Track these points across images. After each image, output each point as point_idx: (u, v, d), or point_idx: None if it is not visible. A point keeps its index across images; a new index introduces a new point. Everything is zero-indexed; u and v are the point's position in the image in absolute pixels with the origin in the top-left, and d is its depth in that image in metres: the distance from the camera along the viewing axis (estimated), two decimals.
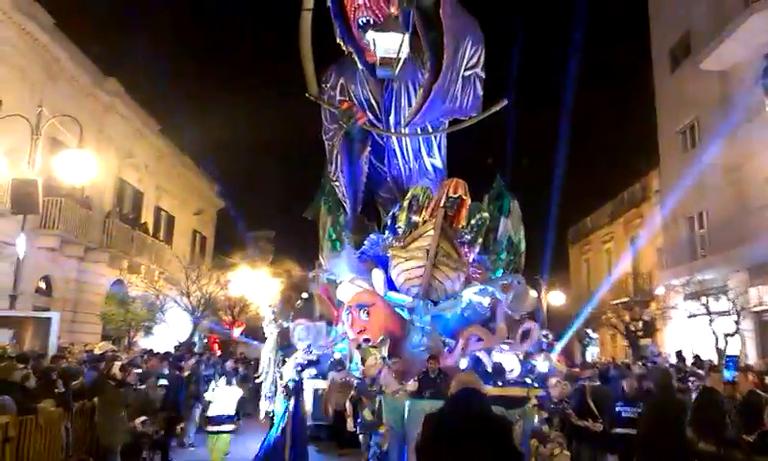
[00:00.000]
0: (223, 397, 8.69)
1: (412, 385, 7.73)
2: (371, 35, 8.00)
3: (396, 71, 8.29)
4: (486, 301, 9.72)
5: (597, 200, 29.91)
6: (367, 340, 8.60)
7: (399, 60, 8.19)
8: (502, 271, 10.83)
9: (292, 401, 7.37)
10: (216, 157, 36.37)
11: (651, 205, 23.62)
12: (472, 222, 9.73)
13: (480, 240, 10.06)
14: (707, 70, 18.65)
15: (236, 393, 8.95)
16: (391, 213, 9.94)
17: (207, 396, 9.08)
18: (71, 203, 16.68)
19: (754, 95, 16.86)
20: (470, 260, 9.96)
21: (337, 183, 10.52)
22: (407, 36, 7.98)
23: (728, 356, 11.86)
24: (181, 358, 11.91)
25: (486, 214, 9.92)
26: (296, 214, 12.79)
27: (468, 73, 9.24)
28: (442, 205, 9.06)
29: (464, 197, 9.25)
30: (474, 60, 9.27)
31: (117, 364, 8.47)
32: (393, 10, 8.39)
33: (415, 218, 9.34)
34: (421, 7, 8.78)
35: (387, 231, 10.09)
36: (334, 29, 9.19)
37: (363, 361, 7.81)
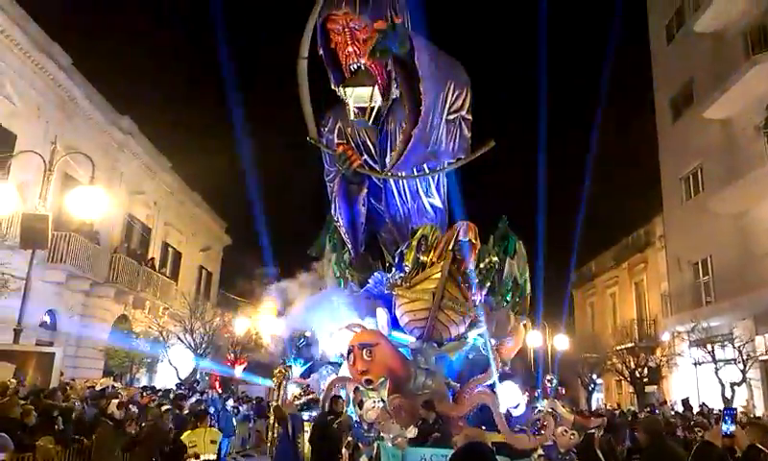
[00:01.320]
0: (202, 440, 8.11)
1: (412, 431, 7.50)
2: (342, 89, 8.20)
3: (370, 121, 8.44)
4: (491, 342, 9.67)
5: (601, 244, 29.94)
6: (369, 381, 8.44)
7: (373, 109, 8.36)
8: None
9: (289, 427, 7.28)
10: (225, 195, 36.77)
11: (655, 250, 23.61)
12: (481, 266, 9.68)
13: (488, 284, 10.04)
14: (709, 118, 18.91)
15: (215, 436, 8.54)
16: (399, 251, 9.92)
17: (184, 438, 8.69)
18: (80, 237, 16.86)
19: (756, 144, 17.05)
20: (477, 302, 9.94)
21: (338, 224, 10.63)
22: (377, 88, 8.07)
23: (726, 409, 11.72)
24: (183, 397, 11.85)
25: (495, 259, 9.91)
26: (302, 252, 12.85)
27: (452, 117, 9.31)
28: (450, 248, 9.01)
29: (473, 241, 9.18)
30: (458, 103, 9.34)
31: (114, 402, 8.42)
32: (363, 61, 8.56)
33: (423, 258, 9.27)
34: (397, 56, 8.86)
35: (394, 269, 10.09)
36: (329, 75, 9.35)
37: (361, 404, 7.53)
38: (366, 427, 7.38)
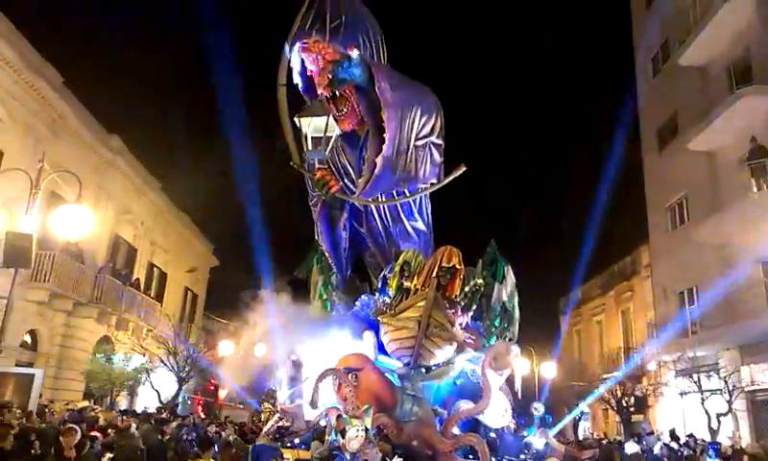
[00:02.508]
0: None
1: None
2: (297, 119, 8.05)
3: (327, 152, 8.38)
4: (479, 369, 9.59)
5: (589, 271, 30.09)
6: (361, 409, 8.33)
7: (329, 139, 8.23)
8: (496, 338, 10.64)
9: None
10: (213, 216, 36.62)
11: (641, 278, 23.77)
12: (466, 289, 9.62)
13: (474, 306, 9.99)
14: (694, 150, 19.22)
15: None
16: (382, 275, 9.84)
17: None
18: (64, 256, 16.66)
19: (740, 175, 17.33)
20: (464, 325, 9.88)
21: (322, 248, 10.60)
22: (331, 118, 8.02)
23: (710, 443, 11.73)
24: (165, 422, 11.60)
25: (480, 281, 9.76)
26: (291, 274, 12.75)
27: (421, 142, 9.19)
28: (434, 274, 8.85)
29: (458, 266, 8.98)
30: (427, 128, 9.21)
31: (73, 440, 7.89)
32: (321, 91, 8.48)
33: (406, 284, 9.16)
34: (357, 84, 8.82)
35: (378, 294, 10.02)
36: (306, 102, 9.28)
37: (343, 433, 7.06)
38: (348, 458, 7.11)
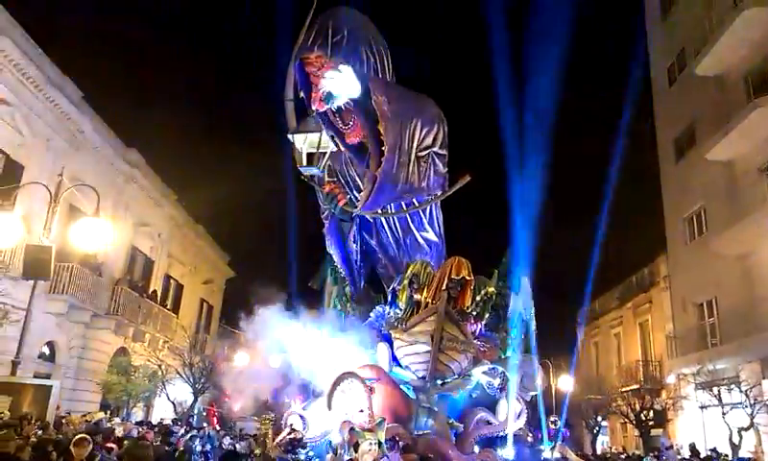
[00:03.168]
0: None
1: None
2: (290, 136, 8.00)
3: (322, 166, 8.31)
4: (496, 381, 9.42)
5: (606, 283, 29.76)
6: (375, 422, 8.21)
7: (324, 155, 8.21)
8: (513, 350, 10.52)
9: None
10: (230, 227, 36.89)
11: (660, 290, 23.45)
12: (477, 298, 9.51)
13: (487, 315, 9.88)
14: (712, 160, 19.01)
15: None
16: (391, 288, 9.81)
17: None
18: (82, 269, 16.87)
19: (759, 185, 17.10)
20: (477, 332, 9.77)
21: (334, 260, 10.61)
22: (324, 133, 8.00)
23: (738, 459, 11.39)
24: (171, 432, 11.57)
25: (492, 288, 9.71)
26: (305, 285, 12.76)
27: (423, 153, 9.13)
28: (444, 287, 8.83)
29: (467, 278, 8.99)
30: (429, 139, 9.14)
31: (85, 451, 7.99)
32: (315, 106, 8.40)
33: (417, 296, 9.12)
34: (355, 99, 8.77)
35: (388, 307, 9.96)
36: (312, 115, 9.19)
37: (356, 447, 6.94)
38: None
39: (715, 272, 18.87)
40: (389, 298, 9.83)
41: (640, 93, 25.09)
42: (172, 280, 25.14)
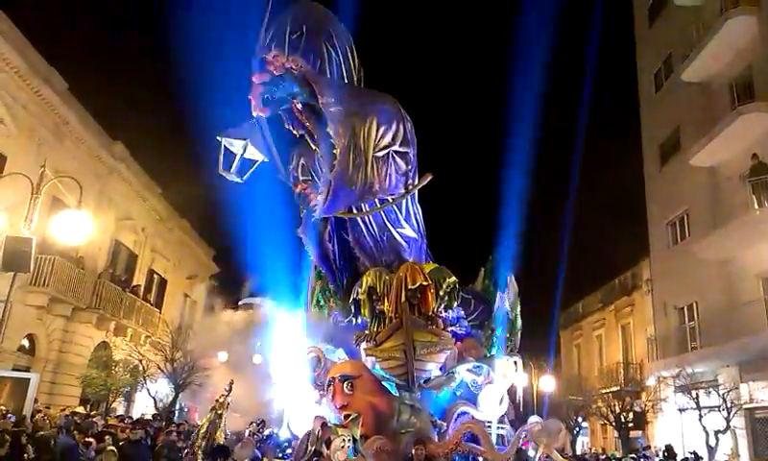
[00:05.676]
0: None
1: None
2: (219, 137, 7.54)
3: (246, 176, 7.89)
4: (480, 379, 9.35)
5: (589, 285, 30.06)
6: (348, 417, 8.01)
7: (252, 163, 7.81)
8: (497, 348, 10.51)
9: None
10: (214, 222, 36.61)
11: (642, 293, 23.71)
12: (441, 293, 9.17)
13: (455, 303, 9.77)
14: (695, 166, 19.24)
15: None
16: (352, 300, 9.35)
17: None
18: (64, 261, 16.68)
19: (741, 192, 17.33)
20: (452, 318, 9.68)
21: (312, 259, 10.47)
22: (250, 141, 7.58)
23: None
24: (147, 423, 11.46)
25: (453, 279, 9.33)
26: (289, 280, 12.68)
27: (381, 153, 8.73)
28: (403, 299, 8.58)
29: (424, 283, 8.74)
30: (387, 138, 8.72)
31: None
32: (255, 113, 8.00)
33: (379, 307, 8.92)
34: (303, 101, 8.46)
35: (353, 318, 9.63)
36: (282, 116, 8.84)
37: (328, 444, 6.78)
38: None
39: (697, 277, 19.11)
40: (353, 309, 9.64)
41: (627, 98, 25.40)
42: (155, 275, 24.94)
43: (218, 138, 7.54)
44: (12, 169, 13.98)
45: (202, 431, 7.79)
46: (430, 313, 8.85)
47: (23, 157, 15.31)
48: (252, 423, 11.00)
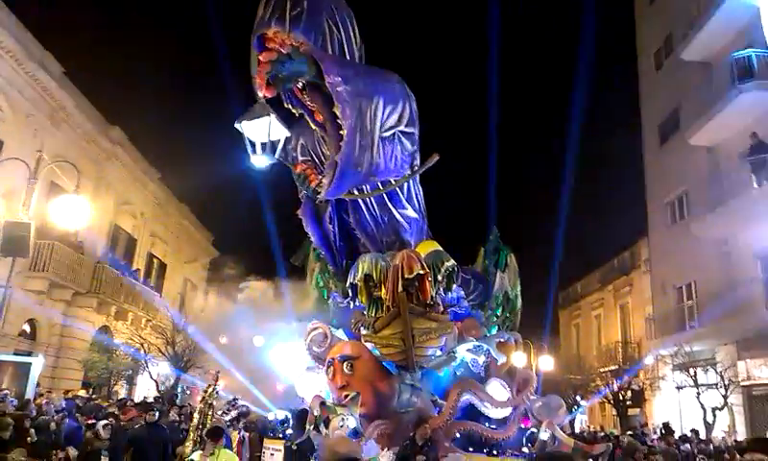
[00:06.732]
0: None
1: (387, 456, 6.94)
2: (238, 124, 7.09)
3: (277, 155, 7.41)
4: (480, 358, 9.34)
5: (588, 265, 30.17)
6: (348, 397, 8.00)
7: (276, 143, 7.26)
8: (497, 328, 10.54)
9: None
10: (214, 206, 36.57)
11: (640, 273, 23.79)
12: (439, 278, 9.06)
13: (454, 285, 9.68)
14: (695, 145, 19.18)
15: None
16: (349, 284, 9.17)
17: None
18: (63, 246, 16.68)
19: (741, 171, 17.30)
20: (451, 298, 9.65)
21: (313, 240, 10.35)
22: (273, 118, 7.06)
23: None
24: (151, 407, 11.51)
25: (451, 262, 9.27)
26: (289, 264, 12.68)
27: (387, 134, 8.50)
28: (401, 289, 8.45)
29: (421, 272, 8.58)
30: (394, 118, 8.50)
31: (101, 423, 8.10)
32: (262, 93, 7.55)
33: (376, 293, 8.82)
34: (309, 81, 8.11)
35: (350, 302, 9.47)
36: (281, 95, 8.46)
37: (327, 423, 6.67)
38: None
39: (695, 256, 19.15)
40: (350, 293, 9.55)
41: (627, 77, 25.25)
42: (155, 259, 24.97)
43: (236, 127, 7.13)
44: (9, 155, 13.93)
45: (193, 423, 7.82)
46: (429, 301, 8.75)
47: (20, 143, 15.26)
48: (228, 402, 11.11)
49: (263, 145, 7.10)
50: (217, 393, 8.50)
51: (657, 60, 23.17)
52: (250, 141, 7.09)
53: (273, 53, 7.48)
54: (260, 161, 7.17)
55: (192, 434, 7.66)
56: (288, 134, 7.69)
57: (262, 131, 7.02)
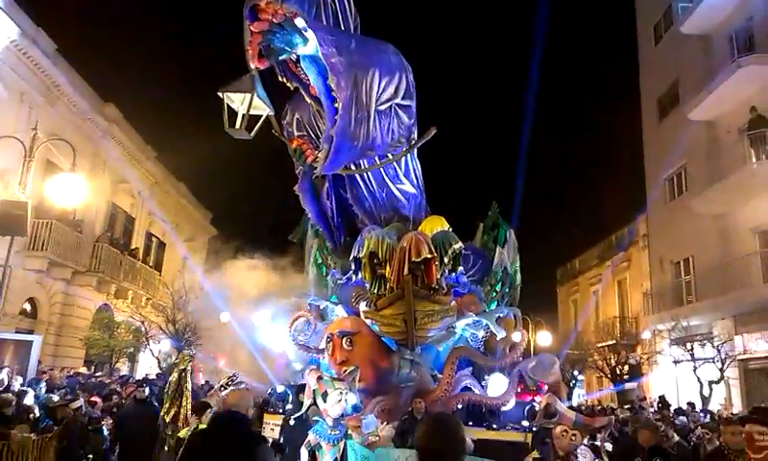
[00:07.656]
0: None
1: (386, 429, 6.84)
2: (221, 93, 6.91)
3: (253, 132, 7.16)
4: (480, 333, 9.36)
5: (586, 241, 30.24)
6: (346, 372, 7.75)
7: (255, 118, 7.11)
8: (497, 303, 10.55)
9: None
10: (212, 185, 36.43)
11: (638, 249, 23.84)
12: (445, 260, 9.07)
13: (460, 267, 9.58)
14: (694, 120, 19.08)
15: None
16: (352, 257, 9.06)
17: None
18: (61, 225, 16.66)
19: (739, 146, 17.26)
20: (454, 279, 9.66)
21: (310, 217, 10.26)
22: (256, 95, 6.90)
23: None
24: (152, 383, 11.60)
25: (458, 245, 9.26)
26: (287, 241, 12.67)
27: (383, 106, 8.31)
28: (407, 271, 8.33)
29: (428, 256, 8.47)
30: (390, 91, 8.31)
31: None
32: (254, 65, 7.33)
33: (380, 271, 8.76)
34: (302, 54, 7.92)
35: (353, 275, 9.46)
36: (276, 68, 8.33)
37: (325, 397, 6.53)
38: (331, 424, 6.39)
39: (693, 231, 19.18)
40: (352, 266, 9.30)
41: (626, 52, 25.03)
42: (154, 238, 24.97)
43: (219, 95, 6.95)
44: (4, 133, 13.81)
45: (170, 390, 7.74)
46: (434, 284, 8.68)
47: (15, 121, 15.12)
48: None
49: (243, 118, 6.96)
50: (193, 358, 8.46)
51: (656, 34, 22.95)
52: (229, 111, 6.92)
53: (264, 23, 7.27)
54: (236, 134, 7.01)
55: (166, 403, 7.64)
56: (271, 112, 7.51)
57: (244, 104, 6.88)
